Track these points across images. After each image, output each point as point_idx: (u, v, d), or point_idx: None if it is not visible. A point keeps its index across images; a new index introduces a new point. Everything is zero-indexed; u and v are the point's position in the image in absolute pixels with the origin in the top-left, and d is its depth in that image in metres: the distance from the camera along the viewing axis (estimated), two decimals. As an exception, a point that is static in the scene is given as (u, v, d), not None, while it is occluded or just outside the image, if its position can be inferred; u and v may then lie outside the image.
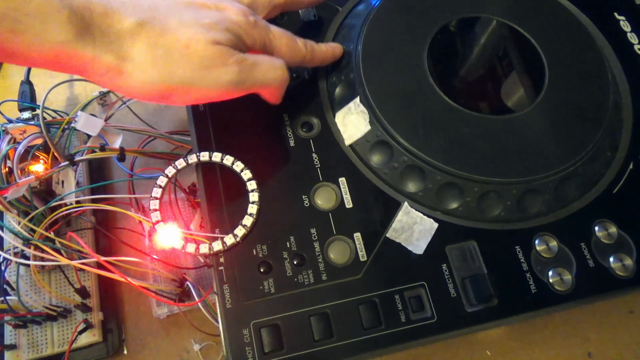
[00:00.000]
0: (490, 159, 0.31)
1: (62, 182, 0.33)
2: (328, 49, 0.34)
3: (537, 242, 0.31)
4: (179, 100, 0.27)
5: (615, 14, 0.41)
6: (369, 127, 0.32)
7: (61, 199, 0.32)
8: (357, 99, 0.32)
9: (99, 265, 0.28)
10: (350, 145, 0.33)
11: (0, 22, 0.21)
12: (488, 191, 0.31)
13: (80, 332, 0.32)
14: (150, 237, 0.35)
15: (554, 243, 0.31)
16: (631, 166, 0.34)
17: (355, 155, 0.33)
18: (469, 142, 0.32)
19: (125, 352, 0.34)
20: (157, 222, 0.30)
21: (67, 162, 0.31)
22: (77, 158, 0.32)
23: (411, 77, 0.34)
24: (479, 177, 0.30)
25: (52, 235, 0.30)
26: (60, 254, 0.29)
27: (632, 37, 0.40)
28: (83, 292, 0.33)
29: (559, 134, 0.33)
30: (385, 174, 0.32)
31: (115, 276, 0.25)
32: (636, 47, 0.40)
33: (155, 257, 0.32)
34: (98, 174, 0.40)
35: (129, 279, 0.26)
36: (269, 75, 0.28)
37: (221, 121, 0.34)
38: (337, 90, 0.34)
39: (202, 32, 0.25)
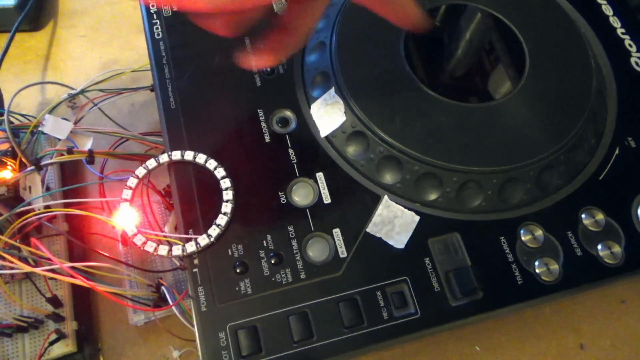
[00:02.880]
0: (470, 148, 0.30)
1: (30, 187, 0.32)
2: None
3: (522, 232, 0.30)
4: None
5: (597, -2, 0.41)
6: (344, 118, 0.31)
7: (28, 204, 0.30)
8: (332, 90, 0.31)
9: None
10: (327, 138, 0.32)
11: None
12: (468, 181, 0.30)
13: (52, 343, 0.31)
14: (123, 241, 0.34)
15: (539, 232, 0.30)
16: (617, 152, 0.34)
17: (333, 149, 0.32)
18: (447, 131, 0.31)
19: (102, 361, 0.33)
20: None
21: (32, 167, 0.30)
22: (44, 162, 0.31)
23: (387, 66, 0.33)
24: (459, 167, 0.29)
25: (17, 243, 0.29)
26: (27, 262, 0.28)
27: (614, 21, 0.40)
28: (55, 302, 0.32)
29: (541, 121, 0.32)
30: (363, 167, 0.31)
31: (79, 282, 0.24)
32: (619, 31, 0.39)
33: (129, 262, 0.31)
34: (72, 180, 0.38)
35: (92, 284, 0.25)
36: None
37: (194, 119, 0.32)
38: (313, 84, 0.34)
39: None
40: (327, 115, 0.31)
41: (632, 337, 0.35)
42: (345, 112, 0.31)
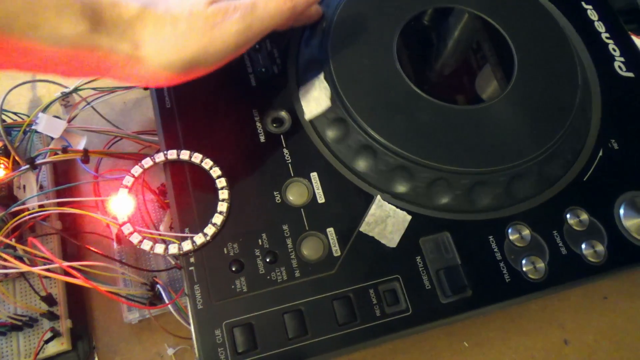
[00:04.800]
0: (459, 150, 0.31)
1: (24, 186, 0.32)
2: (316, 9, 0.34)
3: (510, 231, 0.31)
4: (202, 72, 0.27)
5: (583, 3, 0.42)
6: (329, 103, 0.32)
7: (22, 204, 0.30)
8: (321, 76, 0.32)
9: (66, 272, 0.27)
10: (321, 138, 0.32)
11: (19, 16, 0.21)
12: (464, 182, 0.31)
13: (47, 341, 0.31)
14: (118, 240, 0.34)
15: (526, 232, 0.31)
16: (600, 153, 0.35)
17: (327, 149, 0.32)
18: (439, 133, 0.32)
19: (97, 359, 0.33)
20: (124, 223, 0.29)
21: (27, 166, 0.30)
22: (38, 161, 0.31)
23: (383, 73, 0.33)
24: (449, 168, 0.30)
25: (13, 242, 0.29)
26: (23, 261, 0.28)
27: (599, 26, 0.41)
28: (49, 300, 0.32)
29: (528, 123, 0.33)
30: (358, 168, 0.32)
31: (79, 281, 0.24)
32: (603, 35, 0.40)
33: (124, 261, 0.31)
34: (64, 178, 0.38)
35: (94, 284, 0.25)
36: (270, 8, 0.27)
37: (189, 118, 0.33)
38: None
39: None
40: (314, 99, 0.32)
41: (613, 332, 0.36)
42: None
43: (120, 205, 0.29)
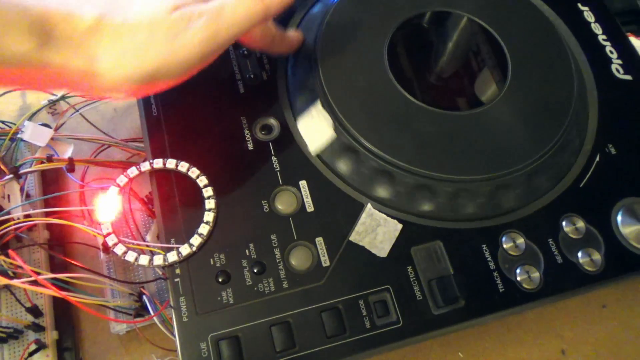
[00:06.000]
0: (452, 157, 0.30)
1: (8, 196, 0.31)
2: (296, 35, 0.33)
3: (504, 239, 0.30)
4: (165, 85, 0.25)
5: (579, 4, 0.41)
6: (334, 134, 0.31)
7: (7, 214, 0.30)
8: (319, 105, 0.31)
9: (54, 284, 0.26)
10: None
11: None
12: (457, 190, 0.30)
13: (32, 353, 0.31)
14: (105, 249, 0.33)
15: (521, 240, 0.30)
16: (598, 158, 0.34)
17: (317, 158, 0.32)
18: (433, 140, 0.31)
19: (83, 371, 0.33)
20: (108, 234, 0.29)
21: (10, 175, 0.30)
22: (22, 170, 0.30)
23: (371, 76, 0.33)
24: (441, 176, 0.29)
25: (-5, 253, 0.28)
26: (6, 273, 0.28)
27: (596, 28, 0.40)
28: (35, 311, 0.31)
29: (522, 129, 0.32)
30: (348, 177, 0.31)
31: (53, 293, 0.24)
32: (600, 37, 0.40)
33: (111, 270, 0.31)
34: (54, 186, 0.38)
35: (66, 295, 0.24)
36: (239, 11, 0.25)
37: (176, 126, 0.32)
38: (297, 92, 0.33)
39: (162, 3, 0.24)
40: (316, 131, 0.31)
41: (612, 343, 0.35)
42: (334, 127, 0.31)
43: (104, 214, 0.28)
